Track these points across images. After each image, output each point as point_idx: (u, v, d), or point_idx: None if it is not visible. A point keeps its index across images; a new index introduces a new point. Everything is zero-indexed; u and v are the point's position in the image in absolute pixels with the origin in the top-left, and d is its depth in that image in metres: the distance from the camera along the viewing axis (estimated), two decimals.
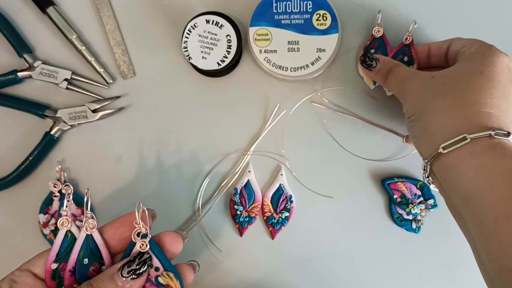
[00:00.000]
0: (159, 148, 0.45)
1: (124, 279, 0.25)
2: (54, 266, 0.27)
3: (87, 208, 0.27)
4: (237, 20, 0.44)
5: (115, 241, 0.28)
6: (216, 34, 0.41)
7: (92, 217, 0.27)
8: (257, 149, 0.45)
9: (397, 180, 0.44)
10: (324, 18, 0.42)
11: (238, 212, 0.44)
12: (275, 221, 0.44)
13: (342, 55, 0.45)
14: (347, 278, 0.45)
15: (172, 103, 0.45)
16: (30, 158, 0.44)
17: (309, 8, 0.42)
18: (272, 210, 0.44)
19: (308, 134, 0.45)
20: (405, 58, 0.43)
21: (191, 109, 0.45)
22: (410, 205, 0.44)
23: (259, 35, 0.42)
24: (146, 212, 0.28)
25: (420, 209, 0.44)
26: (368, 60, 0.40)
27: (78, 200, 0.44)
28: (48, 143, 0.44)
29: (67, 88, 0.44)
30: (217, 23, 0.41)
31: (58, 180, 0.44)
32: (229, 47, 0.41)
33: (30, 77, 0.44)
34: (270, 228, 0.45)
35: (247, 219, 0.44)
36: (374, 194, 0.45)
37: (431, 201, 0.44)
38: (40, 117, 0.44)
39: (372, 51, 0.44)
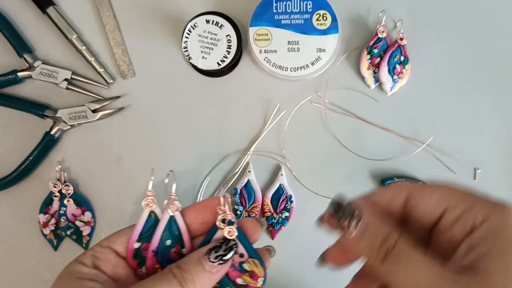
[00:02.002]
0: (159, 148, 0.45)
1: (211, 263, 0.25)
2: (137, 245, 0.27)
3: (171, 191, 0.28)
4: (237, 20, 0.44)
5: (196, 225, 0.28)
6: (216, 34, 0.41)
7: (176, 200, 0.27)
8: (257, 149, 0.45)
9: (397, 180, 0.44)
10: (324, 18, 0.42)
11: (238, 212, 0.44)
12: (275, 221, 0.44)
13: (343, 55, 0.45)
14: (347, 278, 0.45)
15: (172, 103, 0.45)
16: (30, 158, 0.44)
17: (309, 8, 0.42)
18: (272, 210, 0.44)
19: (308, 134, 0.45)
20: (402, 58, 0.44)
21: (191, 109, 0.45)
22: None
23: (259, 35, 0.42)
24: (229, 199, 0.28)
25: None
26: (342, 214, 0.24)
27: (78, 200, 0.44)
28: (48, 143, 0.44)
29: (67, 88, 0.44)
30: (217, 23, 0.41)
31: (58, 180, 0.44)
32: (229, 47, 0.41)
33: (30, 77, 0.44)
34: (270, 228, 0.45)
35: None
36: None
37: None
38: (40, 117, 0.44)
39: (375, 50, 0.44)
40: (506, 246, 0.20)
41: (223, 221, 0.27)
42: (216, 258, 0.25)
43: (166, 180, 0.28)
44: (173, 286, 0.24)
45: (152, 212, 0.28)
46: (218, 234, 0.27)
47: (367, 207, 0.24)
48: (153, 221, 0.27)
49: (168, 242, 0.27)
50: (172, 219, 0.27)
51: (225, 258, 0.25)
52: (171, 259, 0.27)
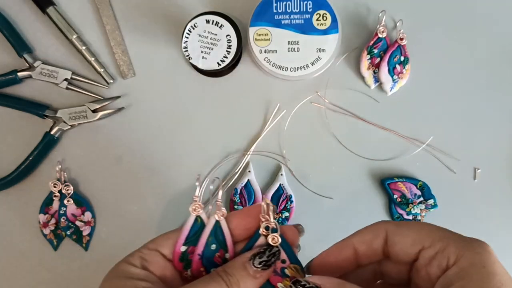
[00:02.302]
0: (159, 148, 0.45)
1: (255, 268, 0.26)
2: (183, 248, 0.28)
3: (217, 197, 0.28)
4: (237, 20, 0.44)
5: (238, 231, 0.28)
6: (216, 34, 0.41)
7: (222, 206, 0.28)
8: (257, 149, 0.45)
9: (397, 180, 0.44)
10: (324, 18, 0.42)
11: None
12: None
13: (343, 55, 0.45)
14: None
15: (172, 103, 0.45)
16: (30, 158, 0.44)
17: (309, 8, 0.42)
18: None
19: (308, 134, 0.45)
20: (402, 58, 0.44)
21: (191, 109, 0.45)
22: (410, 205, 0.44)
23: (259, 35, 0.42)
24: (271, 207, 0.28)
25: (420, 209, 0.44)
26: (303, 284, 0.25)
27: (78, 200, 0.44)
28: (48, 143, 0.44)
29: (67, 88, 0.44)
30: (217, 23, 0.41)
31: (58, 180, 0.44)
32: (229, 47, 0.41)
33: (30, 77, 0.44)
34: None
35: None
36: (374, 194, 0.45)
37: (431, 201, 0.44)
38: (40, 117, 0.44)
39: (375, 50, 0.44)
40: (479, 283, 0.21)
41: (266, 228, 0.28)
42: (260, 263, 0.26)
43: (211, 187, 0.29)
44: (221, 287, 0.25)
45: (198, 217, 0.28)
46: (260, 241, 0.28)
47: (326, 270, 0.27)
48: (199, 225, 0.28)
49: (213, 246, 0.28)
50: (217, 224, 0.28)
51: (268, 264, 0.26)
52: (215, 263, 0.28)
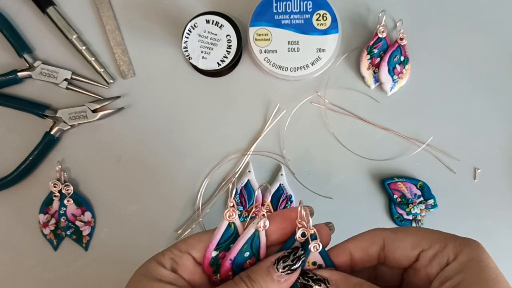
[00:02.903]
0: (159, 148, 0.45)
1: (279, 273, 0.25)
2: (214, 253, 0.27)
3: (263, 205, 0.28)
4: (237, 20, 0.44)
5: (275, 235, 0.28)
6: (216, 34, 0.41)
7: (265, 216, 0.27)
8: (257, 149, 0.45)
9: (397, 180, 0.44)
10: (324, 18, 0.42)
11: (238, 212, 0.44)
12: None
13: (343, 55, 0.45)
14: None
15: (172, 103, 0.45)
16: (30, 158, 0.44)
17: (309, 8, 0.42)
18: (272, 210, 0.44)
19: (308, 134, 0.45)
20: (402, 58, 0.44)
21: (191, 109, 0.45)
22: (410, 205, 0.44)
23: (259, 35, 0.42)
24: (308, 210, 0.28)
25: (420, 209, 0.44)
26: (312, 282, 0.26)
27: (78, 200, 0.44)
28: (48, 143, 0.44)
29: (67, 88, 0.44)
30: (217, 23, 0.41)
31: (58, 180, 0.44)
32: (229, 47, 0.41)
33: (30, 77, 0.44)
34: None
35: (247, 219, 0.44)
36: (374, 194, 0.45)
37: (431, 201, 0.44)
38: (40, 117, 0.44)
39: (375, 50, 0.44)
40: (474, 277, 0.23)
41: (303, 235, 0.27)
42: (284, 268, 0.25)
43: (256, 193, 0.28)
44: None
45: (232, 223, 0.28)
46: (295, 244, 0.27)
47: (336, 262, 0.27)
48: (231, 231, 0.28)
49: (247, 254, 0.27)
50: (256, 233, 0.27)
51: (293, 268, 0.26)
52: (245, 269, 0.27)
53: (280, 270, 0.25)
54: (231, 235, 0.27)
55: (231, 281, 0.26)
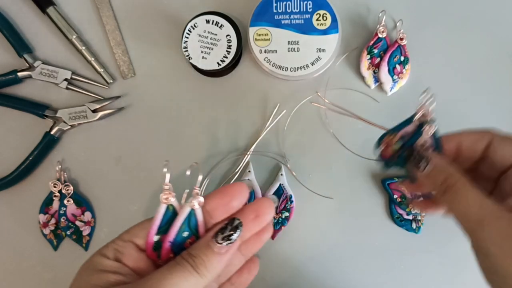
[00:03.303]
0: (158, 148, 0.45)
1: (219, 245, 0.26)
2: (156, 238, 0.27)
3: (199, 186, 0.28)
4: (237, 20, 0.44)
5: (218, 212, 0.28)
6: (216, 34, 0.41)
7: (199, 194, 0.28)
8: (257, 149, 0.45)
9: (397, 180, 0.44)
10: (324, 18, 0.42)
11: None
12: (275, 221, 0.44)
13: (343, 55, 0.45)
14: (347, 278, 0.45)
15: (172, 103, 0.45)
16: (30, 158, 0.44)
17: (309, 8, 0.42)
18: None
19: (308, 134, 0.45)
20: (402, 58, 0.44)
21: (191, 109, 0.45)
22: (410, 205, 0.44)
23: (259, 35, 0.42)
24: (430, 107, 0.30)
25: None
26: (417, 156, 0.30)
27: (78, 200, 0.44)
28: (48, 143, 0.44)
29: (67, 88, 0.44)
30: (217, 23, 0.41)
31: (58, 180, 0.44)
32: (229, 47, 0.41)
33: (30, 77, 0.44)
34: None
35: None
36: (374, 194, 0.45)
37: None
38: (40, 117, 0.44)
39: (375, 50, 0.44)
40: None
41: (421, 124, 0.30)
42: (223, 239, 0.26)
43: (188, 172, 0.28)
44: (187, 271, 0.25)
45: (170, 205, 0.28)
46: (410, 127, 0.31)
47: (444, 148, 0.30)
48: (171, 213, 0.28)
49: (185, 233, 0.28)
50: (192, 212, 0.28)
51: (231, 237, 0.26)
52: (186, 248, 0.28)
53: (219, 241, 0.26)
54: (171, 217, 0.28)
55: (173, 261, 0.26)
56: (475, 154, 0.30)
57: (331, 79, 0.45)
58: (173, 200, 0.28)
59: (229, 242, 0.26)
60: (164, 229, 0.28)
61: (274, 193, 0.44)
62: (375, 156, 0.34)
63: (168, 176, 0.28)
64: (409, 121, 0.32)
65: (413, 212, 0.44)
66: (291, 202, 0.44)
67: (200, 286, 0.25)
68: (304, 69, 0.42)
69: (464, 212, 0.27)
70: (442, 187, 0.28)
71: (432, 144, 0.30)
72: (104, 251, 0.27)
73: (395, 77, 0.44)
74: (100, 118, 0.44)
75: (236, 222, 0.27)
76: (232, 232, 0.27)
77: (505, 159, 0.28)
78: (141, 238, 0.28)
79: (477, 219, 0.26)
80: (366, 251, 0.45)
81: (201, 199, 0.28)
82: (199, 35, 0.41)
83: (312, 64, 0.42)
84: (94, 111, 0.44)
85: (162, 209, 0.28)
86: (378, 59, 0.44)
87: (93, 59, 0.44)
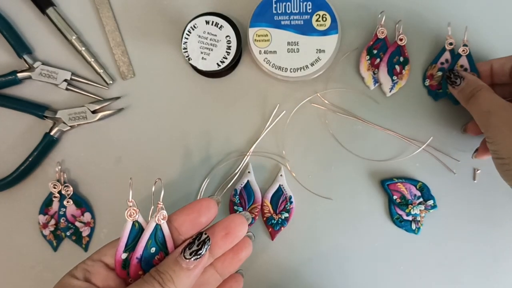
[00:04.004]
0: (158, 149, 0.45)
1: (187, 260, 0.26)
2: (124, 256, 0.27)
3: (158, 199, 0.28)
4: (237, 21, 0.44)
5: (185, 228, 0.28)
6: (215, 35, 0.41)
7: (163, 208, 0.28)
8: (257, 149, 0.45)
9: (396, 181, 0.44)
10: (324, 19, 0.42)
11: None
12: (275, 222, 0.44)
13: (342, 55, 0.45)
14: (347, 279, 0.45)
15: (172, 104, 0.45)
16: (30, 159, 0.44)
17: (309, 9, 0.42)
18: (271, 211, 0.44)
19: (307, 135, 0.45)
20: (401, 59, 0.44)
21: (191, 110, 0.45)
22: (410, 206, 0.44)
23: (258, 35, 0.42)
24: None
25: (420, 210, 0.44)
26: (453, 77, 0.39)
27: (78, 201, 0.44)
28: (47, 143, 0.44)
29: (66, 89, 0.44)
30: (216, 24, 0.41)
31: (58, 181, 0.44)
32: (229, 48, 0.41)
33: (29, 78, 0.44)
34: (270, 229, 0.45)
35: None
36: (373, 195, 0.45)
37: (430, 202, 0.44)
38: (40, 117, 0.44)
39: (375, 51, 0.44)
40: None
41: (451, 43, 0.40)
42: (191, 254, 0.26)
43: (153, 188, 0.28)
44: None
45: (135, 221, 0.28)
46: (445, 55, 0.41)
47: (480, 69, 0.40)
48: (137, 230, 0.28)
49: (153, 249, 0.27)
50: (158, 227, 0.28)
51: (200, 253, 0.26)
52: (155, 265, 0.27)
53: (187, 257, 0.26)
54: (138, 234, 0.28)
55: (141, 279, 0.26)
56: (505, 74, 0.37)
57: (331, 80, 0.45)
58: (137, 217, 0.28)
59: (197, 257, 0.26)
60: (131, 246, 0.27)
61: (274, 194, 0.44)
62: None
63: (131, 193, 0.28)
64: (443, 50, 0.42)
65: (412, 213, 0.44)
66: (291, 203, 0.44)
67: None
68: (304, 70, 0.42)
69: (478, 108, 0.34)
70: (469, 95, 0.36)
71: (468, 66, 0.40)
72: (73, 272, 0.27)
73: (395, 78, 0.44)
74: (100, 119, 0.44)
75: (204, 236, 0.27)
76: (200, 247, 0.26)
77: None
78: (110, 256, 0.28)
79: (487, 110, 0.33)
80: (366, 252, 0.45)
81: (164, 212, 0.27)
82: (199, 36, 0.41)
83: (312, 65, 0.42)
84: (94, 111, 0.44)
85: (128, 226, 0.28)
86: (378, 60, 0.44)
87: (92, 59, 0.44)
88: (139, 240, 0.27)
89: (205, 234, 0.27)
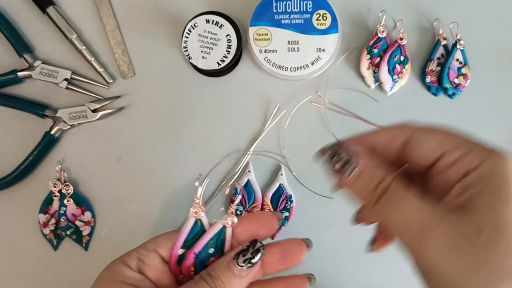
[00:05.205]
0: (158, 148, 0.45)
1: (240, 267, 0.25)
2: (181, 251, 0.27)
3: (232, 203, 0.27)
4: (237, 20, 0.44)
5: (242, 237, 0.27)
6: (216, 34, 0.41)
7: (236, 214, 0.27)
8: (257, 149, 0.45)
9: None
10: (324, 18, 0.42)
11: (238, 212, 0.44)
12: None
13: (343, 55, 0.45)
14: (347, 278, 0.45)
15: (172, 103, 0.45)
16: (30, 158, 0.44)
17: (309, 8, 0.42)
18: (272, 210, 0.44)
19: (308, 134, 0.45)
20: (401, 58, 0.44)
21: (191, 109, 0.45)
22: None
23: (259, 34, 0.42)
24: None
25: None
26: (340, 154, 0.25)
27: (78, 200, 0.44)
28: (48, 143, 0.44)
29: (67, 88, 0.44)
30: (217, 23, 0.41)
31: (58, 179, 0.44)
32: (229, 47, 0.41)
33: (30, 77, 0.44)
34: None
35: None
36: None
37: None
38: (40, 117, 0.44)
39: (375, 50, 0.44)
40: (497, 188, 0.22)
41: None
42: (244, 261, 0.25)
43: (227, 191, 0.28)
44: None
45: (199, 220, 0.27)
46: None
47: (364, 149, 0.26)
48: (198, 228, 0.27)
49: (211, 250, 0.27)
50: (223, 230, 0.27)
51: (253, 261, 0.25)
52: (207, 266, 0.27)
53: (240, 264, 0.25)
54: (198, 232, 0.27)
55: (191, 281, 0.25)
56: (391, 155, 0.26)
57: (331, 79, 0.45)
58: (202, 215, 0.27)
59: (249, 265, 0.25)
60: (189, 243, 0.27)
61: (274, 193, 0.44)
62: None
63: (200, 190, 0.27)
64: (438, 44, 0.40)
65: None
66: (291, 202, 0.44)
67: None
68: (304, 69, 0.42)
69: (401, 223, 0.23)
70: (374, 195, 0.24)
71: (462, 60, 0.38)
72: (126, 260, 0.25)
73: (395, 77, 0.44)
74: (100, 118, 0.44)
75: (258, 244, 0.26)
76: (253, 255, 0.25)
77: (426, 155, 0.24)
78: (166, 249, 0.26)
79: (417, 228, 0.22)
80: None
81: (235, 219, 0.27)
82: (199, 35, 0.41)
83: (312, 64, 0.42)
84: (94, 110, 0.44)
85: (190, 223, 0.27)
86: (378, 59, 0.44)
87: (93, 59, 0.44)
88: (199, 238, 0.27)
89: (260, 242, 0.26)
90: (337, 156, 0.25)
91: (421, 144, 0.24)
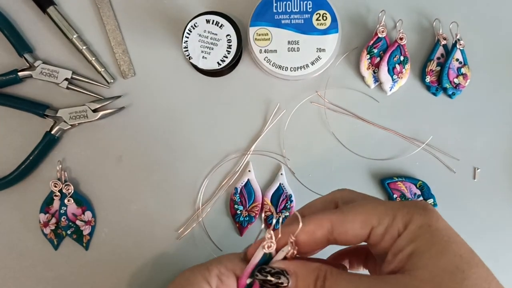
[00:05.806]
0: (159, 147, 0.45)
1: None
2: (249, 281, 0.27)
3: (291, 240, 0.26)
4: (237, 20, 0.44)
5: (307, 247, 0.27)
6: (216, 34, 0.41)
7: (294, 244, 0.26)
8: (257, 148, 0.45)
9: (396, 179, 0.44)
10: (324, 18, 0.42)
11: (238, 212, 0.44)
12: (275, 221, 0.44)
13: (342, 55, 0.45)
14: None
15: (172, 103, 0.45)
16: (31, 158, 0.44)
17: (309, 8, 0.42)
18: (272, 210, 0.44)
19: (308, 134, 0.45)
20: (401, 57, 0.44)
21: (191, 109, 0.45)
22: None
23: (259, 34, 0.42)
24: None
25: None
26: (271, 276, 0.25)
27: (79, 200, 0.44)
28: (48, 142, 0.44)
29: (67, 88, 0.45)
30: (217, 23, 0.41)
31: (59, 179, 0.44)
32: (229, 47, 0.41)
33: (30, 76, 0.44)
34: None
35: (247, 218, 0.44)
36: (373, 194, 0.45)
37: (430, 201, 0.44)
38: (41, 116, 0.44)
39: (375, 50, 0.44)
40: (427, 243, 0.23)
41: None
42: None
43: (262, 226, 0.27)
44: None
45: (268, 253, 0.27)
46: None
47: (289, 261, 0.26)
48: (266, 259, 0.27)
49: None
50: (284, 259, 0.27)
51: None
52: None
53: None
54: (265, 262, 0.27)
55: None
56: (318, 245, 0.26)
57: (331, 79, 0.45)
58: (273, 249, 0.26)
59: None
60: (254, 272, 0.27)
61: (274, 193, 0.44)
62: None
63: (274, 221, 0.26)
64: (437, 44, 0.40)
65: None
66: (291, 201, 0.44)
67: None
68: (304, 69, 0.42)
69: None
70: None
71: (462, 59, 0.39)
72: (207, 276, 0.25)
73: (395, 76, 0.44)
74: (101, 118, 0.44)
75: (274, 281, 0.25)
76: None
77: (355, 237, 0.25)
78: (239, 272, 0.26)
79: None
80: None
81: (294, 251, 0.26)
82: (199, 35, 0.41)
83: (312, 64, 0.42)
84: (95, 110, 0.44)
85: (259, 255, 0.26)
86: (378, 58, 0.44)
87: (93, 58, 0.44)
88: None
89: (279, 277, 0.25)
90: (268, 273, 0.25)
91: (346, 230, 0.25)
